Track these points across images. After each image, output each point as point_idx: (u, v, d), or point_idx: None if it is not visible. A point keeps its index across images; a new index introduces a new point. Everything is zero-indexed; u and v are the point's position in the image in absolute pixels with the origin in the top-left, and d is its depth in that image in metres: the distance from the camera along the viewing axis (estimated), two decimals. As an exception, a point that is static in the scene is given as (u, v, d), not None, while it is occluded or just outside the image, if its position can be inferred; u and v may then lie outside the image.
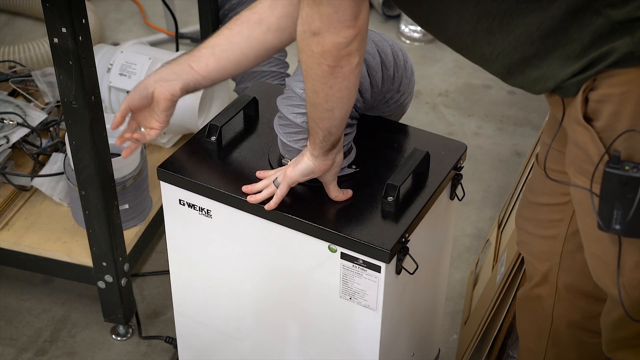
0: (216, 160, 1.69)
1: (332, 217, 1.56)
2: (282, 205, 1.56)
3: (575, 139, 1.37)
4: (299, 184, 1.56)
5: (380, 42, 1.62)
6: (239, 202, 1.59)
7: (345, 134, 1.62)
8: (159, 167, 1.67)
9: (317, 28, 1.28)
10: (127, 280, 2.14)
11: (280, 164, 1.65)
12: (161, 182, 1.69)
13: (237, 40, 1.59)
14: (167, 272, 1.85)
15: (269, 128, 1.75)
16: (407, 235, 1.53)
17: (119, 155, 2.10)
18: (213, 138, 1.70)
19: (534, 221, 1.69)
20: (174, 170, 1.66)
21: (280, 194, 1.54)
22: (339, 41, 1.29)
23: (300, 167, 1.51)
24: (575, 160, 1.39)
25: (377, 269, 1.51)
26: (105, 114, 1.91)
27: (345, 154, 1.63)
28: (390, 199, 1.55)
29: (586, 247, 1.49)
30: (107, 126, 1.93)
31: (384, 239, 1.50)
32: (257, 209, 1.58)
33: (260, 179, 1.60)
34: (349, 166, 1.65)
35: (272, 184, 1.56)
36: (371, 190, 1.60)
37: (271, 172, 1.60)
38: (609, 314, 1.57)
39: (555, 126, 1.47)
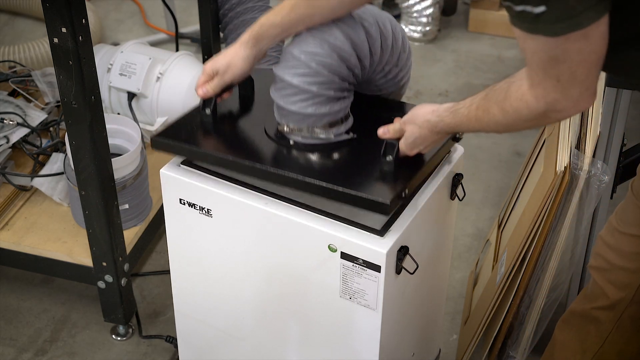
0: (211, 130, 1.69)
1: (331, 173, 1.57)
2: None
3: None
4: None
5: (379, 14, 1.63)
6: (234, 165, 1.59)
7: (343, 97, 1.62)
8: (153, 136, 1.67)
9: (563, 107, 1.27)
10: (127, 280, 2.14)
11: (277, 132, 1.65)
12: (162, 181, 1.69)
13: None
14: (167, 272, 1.85)
15: (264, 106, 1.74)
16: (406, 189, 1.53)
17: (119, 155, 2.10)
18: (208, 110, 1.70)
19: (617, 251, 1.67)
20: (168, 137, 1.65)
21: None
22: (581, 110, 1.30)
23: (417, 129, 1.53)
24: None
25: (377, 268, 1.51)
26: (105, 114, 1.91)
27: (342, 120, 1.64)
28: (389, 158, 1.55)
29: None
30: (107, 126, 1.93)
31: (382, 192, 1.50)
32: (250, 170, 1.58)
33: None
34: (347, 132, 1.65)
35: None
36: (369, 156, 1.60)
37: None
38: None
39: None
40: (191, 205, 1.67)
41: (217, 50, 2.68)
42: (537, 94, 1.28)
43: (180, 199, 1.68)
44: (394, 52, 1.66)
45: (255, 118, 1.74)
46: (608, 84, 1.91)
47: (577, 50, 1.20)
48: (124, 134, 2.22)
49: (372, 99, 1.76)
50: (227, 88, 1.69)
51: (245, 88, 1.79)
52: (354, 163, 1.60)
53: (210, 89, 1.67)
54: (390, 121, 1.61)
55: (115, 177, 2.01)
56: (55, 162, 2.27)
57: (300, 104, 1.59)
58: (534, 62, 1.25)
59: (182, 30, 3.49)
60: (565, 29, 1.17)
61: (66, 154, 2.12)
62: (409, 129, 1.53)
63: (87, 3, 1.79)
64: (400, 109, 1.75)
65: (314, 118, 1.60)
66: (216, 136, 1.68)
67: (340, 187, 1.51)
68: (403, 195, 1.52)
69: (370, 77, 1.68)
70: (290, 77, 1.58)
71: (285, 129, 1.63)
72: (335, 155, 1.63)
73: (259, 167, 1.58)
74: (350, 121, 1.67)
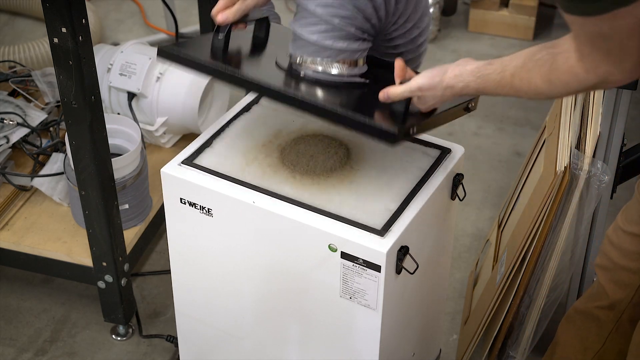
0: (221, 52, 1.65)
1: (339, 101, 1.55)
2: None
3: None
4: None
5: None
6: (236, 79, 1.58)
7: (362, 39, 1.60)
8: (159, 47, 1.65)
9: (616, 79, 1.26)
10: (127, 280, 2.14)
11: (289, 64, 1.62)
12: (163, 181, 1.68)
13: None
14: (167, 272, 1.86)
15: (276, 50, 1.71)
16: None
17: (119, 155, 2.10)
18: (221, 35, 1.65)
19: (620, 250, 1.67)
20: (174, 50, 1.64)
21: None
22: (633, 79, 1.28)
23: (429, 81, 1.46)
24: None
25: (377, 268, 1.51)
26: (105, 114, 1.91)
27: (356, 63, 1.62)
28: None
29: None
30: (108, 126, 1.93)
31: (390, 122, 1.48)
32: (257, 87, 1.56)
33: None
34: (361, 76, 1.63)
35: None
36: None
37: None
38: None
39: None
40: (192, 204, 1.67)
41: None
42: (587, 67, 1.25)
43: (181, 199, 1.68)
44: (417, 10, 1.64)
45: (267, 53, 1.70)
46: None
47: (624, 26, 1.17)
48: (124, 134, 2.23)
49: (389, 65, 1.70)
50: (244, 17, 1.65)
51: (260, 29, 1.75)
52: (364, 100, 1.56)
53: (230, 14, 1.62)
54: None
55: (115, 177, 2.01)
56: (55, 162, 2.28)
57: (319, 34, 1.56)
58: (581, 35, 1.22)
59: (182, 30, 3.48)
60: (609, 6, 1.14)
61: (66, 154, 2.12)
62: (429, 95, 1.47)
63: (87, 3, 1.80)
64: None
65: (331, 51, 1.58)
66: (225, 57, 1.64)
67: (348, 112, 1.48)
68: (412, 131, 1.49)
69: (390, 30, 1.66)
70: (313, 7, 1.55)
71: (298, 60, 1.60)
72: (345, 92, 1.59)
73: (266, 85, 1.54)
74: (364, 68, 1.64)
